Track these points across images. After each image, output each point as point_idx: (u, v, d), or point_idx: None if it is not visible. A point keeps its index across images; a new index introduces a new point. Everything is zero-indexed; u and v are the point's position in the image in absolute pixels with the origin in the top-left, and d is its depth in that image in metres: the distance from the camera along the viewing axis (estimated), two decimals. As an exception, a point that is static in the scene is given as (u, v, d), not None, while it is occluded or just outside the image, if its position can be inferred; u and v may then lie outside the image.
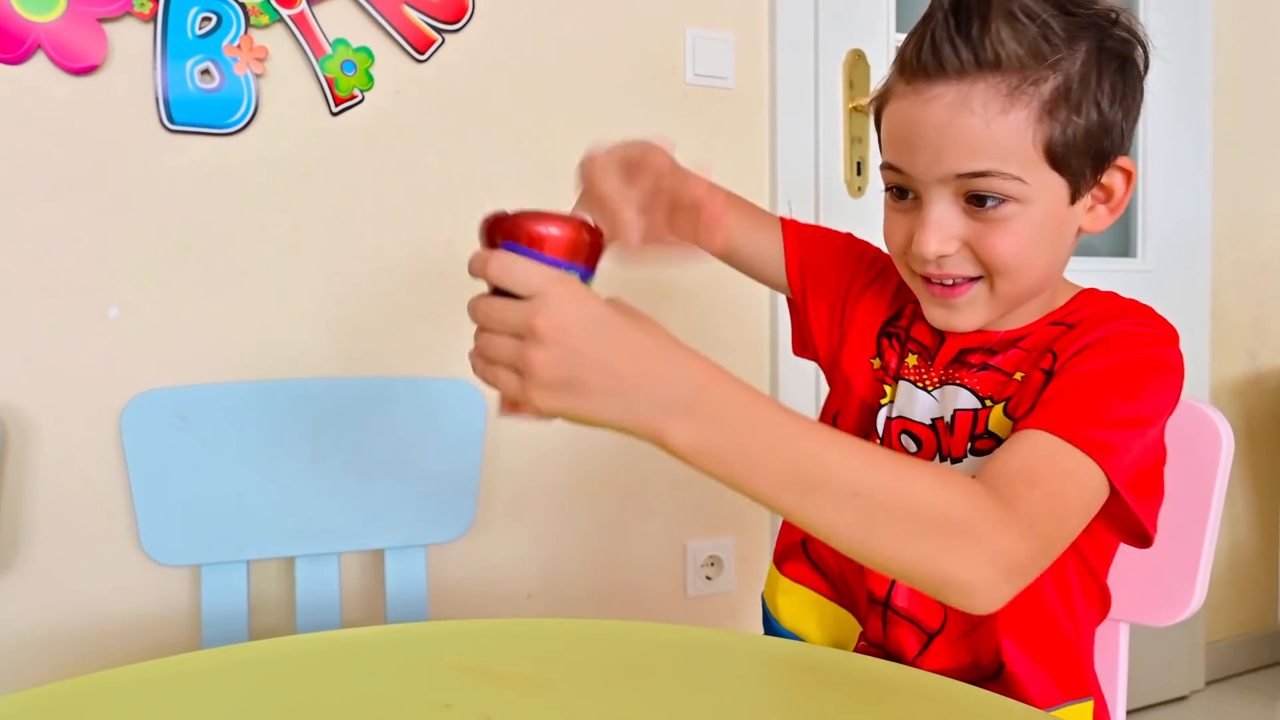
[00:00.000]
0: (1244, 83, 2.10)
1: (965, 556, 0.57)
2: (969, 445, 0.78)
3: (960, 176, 0.71)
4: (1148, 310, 0.77)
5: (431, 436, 1.26)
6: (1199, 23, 2.03)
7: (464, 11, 1.37)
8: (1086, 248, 2.16)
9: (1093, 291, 0.82)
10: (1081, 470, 0.67)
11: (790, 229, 0.94)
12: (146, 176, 1.23)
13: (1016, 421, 0.73)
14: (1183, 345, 0.76)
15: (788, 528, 0.93)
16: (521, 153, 1.41)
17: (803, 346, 0.97)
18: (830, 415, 0.91)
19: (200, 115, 1.25)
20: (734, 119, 1.57)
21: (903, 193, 0.76)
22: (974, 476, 0.64)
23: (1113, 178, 0.75)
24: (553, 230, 0.54)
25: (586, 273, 0.57)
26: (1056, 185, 0.72)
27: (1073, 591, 0.79)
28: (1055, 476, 0.65)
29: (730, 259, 0.94)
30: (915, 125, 0.72)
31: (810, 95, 1.61)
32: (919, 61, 0.71)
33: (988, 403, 0.78)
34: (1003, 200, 0.71)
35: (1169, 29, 2.01)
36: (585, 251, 0.56)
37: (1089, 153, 0.72)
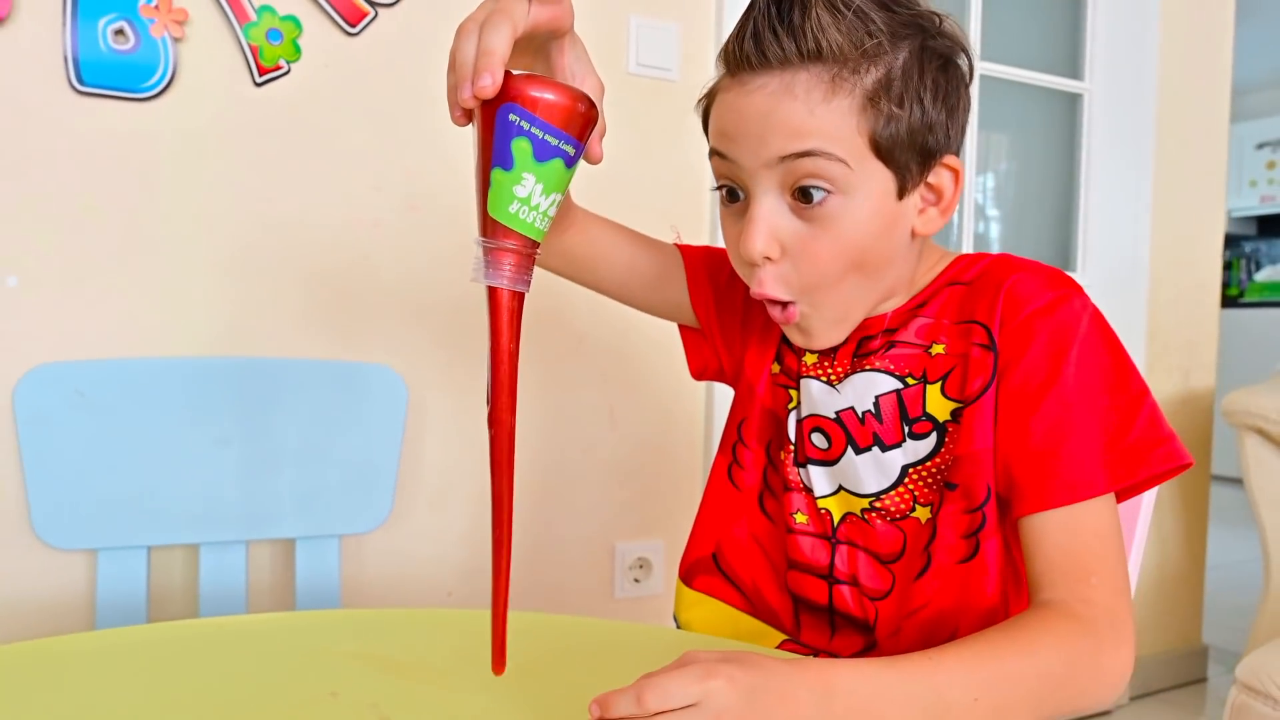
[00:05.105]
0: (1184, 109, 2.13)
1: (1084, 693, 0.63)
2: (905, 429, 0.76)
3: (785, 159, 0.68)
4: (1036, 265, 0.75)
5: (348, 423, 1.20)
6: (1143, 47, 2.06)
7: (399, -15, 1.32)
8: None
9: (967, 255, 0.80)
10: (1103, 516, 0.68)
11: (691, 254, 0.93)
12: (53, 140, 1.16)
13: (964, 406, 0.72)
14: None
15: (695, 542, 0.91)
16: (453, 135, 1.36)
17: (703, 369, 0.96)
18: (735, 423, 0.88)
19: (112, 78, 1.18)
20: (677, 113, 1.54)
21: (734, 195, 0.74)
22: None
23: (940, 176, 0.73)
24: (548, 96, 0.55)
25: (578, 146, 0.57)
26: (882, 176, 0.70)
27: (1021, 590, 0.77)
28: (1094, 546, 0.67)
29: (598, 268, 0.90)
30: (740, 114, 0.70)
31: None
32: (742, 53, 0.69)
33: (909, 381, 0.76)
34: (829, 193, 0.69)
35: (1112, 56, 2.07)
36: (579, 124, 0.57)
37: (914, 147, 0.70)
